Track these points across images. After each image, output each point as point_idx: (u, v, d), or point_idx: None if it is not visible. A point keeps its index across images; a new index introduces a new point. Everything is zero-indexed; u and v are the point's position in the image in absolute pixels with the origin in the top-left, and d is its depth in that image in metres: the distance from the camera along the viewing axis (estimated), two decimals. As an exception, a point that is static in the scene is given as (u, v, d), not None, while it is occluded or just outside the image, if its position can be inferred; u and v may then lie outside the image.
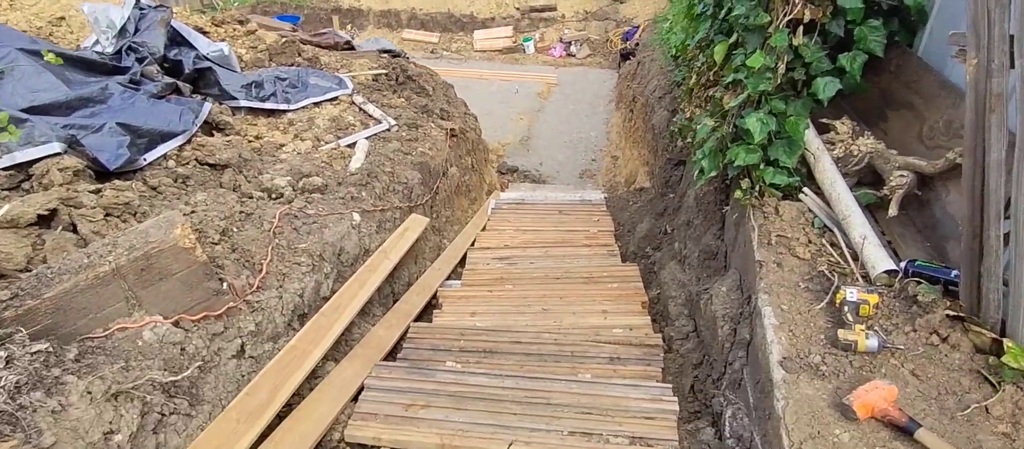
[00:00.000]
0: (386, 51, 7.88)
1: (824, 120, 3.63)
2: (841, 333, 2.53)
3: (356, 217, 4.71)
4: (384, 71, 7.23)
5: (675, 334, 4.05)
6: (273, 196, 4.72)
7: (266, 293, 3.52)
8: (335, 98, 6.64)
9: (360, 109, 6.61)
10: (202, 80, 6.00)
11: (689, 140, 5.40)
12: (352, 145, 5.79)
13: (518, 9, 17.13)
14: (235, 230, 3.87)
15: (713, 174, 3.76)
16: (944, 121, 3.09)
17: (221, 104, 5.83)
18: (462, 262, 6.08)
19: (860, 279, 2.88)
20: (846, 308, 2.63)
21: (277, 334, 3.51)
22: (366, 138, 6.02)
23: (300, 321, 3.72)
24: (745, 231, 3.54)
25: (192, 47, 6.26)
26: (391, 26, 17.10)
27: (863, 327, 2.54)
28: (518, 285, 5.13)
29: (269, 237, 3.87)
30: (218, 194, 4.33)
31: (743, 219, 3.62)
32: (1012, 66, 2.21)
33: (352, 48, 7.60)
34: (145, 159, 4.48)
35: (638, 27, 15.28)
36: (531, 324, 4.32)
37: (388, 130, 6.37)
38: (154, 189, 4.27)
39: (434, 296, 4.97)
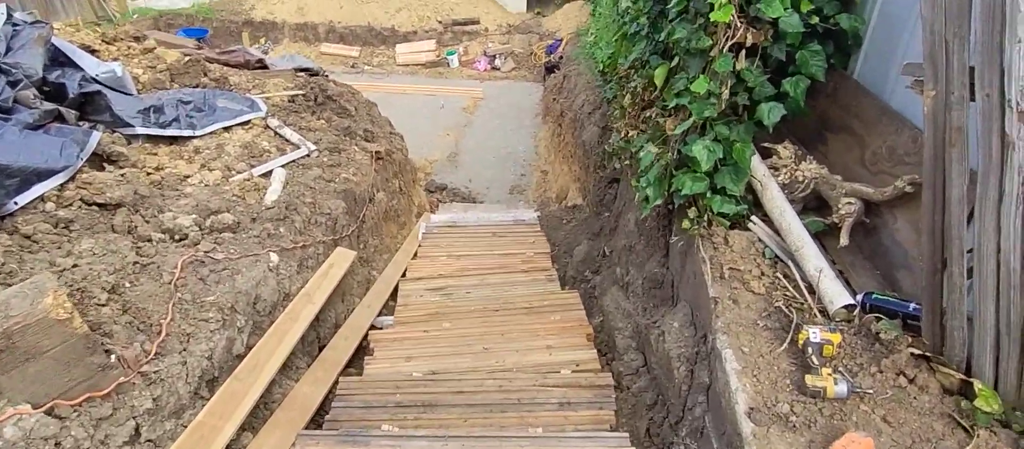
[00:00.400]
0: (303, 69, 7.34)
1: (766, 144, 3.53)
2: (809, 379, 2.37)
3: (274, 258, 4.22)
4: (301, 91, 6.71)
5: (624, 369, 3.84)
6: (176, 238, 4.16)
7: (166, 360, 3.02)
8: (247, 122, 6.07)
9: (276, 134, 6.08)
10: (90, 106, 5.31)
11: (627, 162, 5.25)
12: (267, 174, 5.27)
13: (441, 22, 16.78)
14: (128, 285, 3.32)
15: (658, 203, 3.58)
16: (887, 147, 3.03)
17: (114, 133, 5.17)
18: (394, 295, 5.67)
19: (817, 314, 2.75)
20: (810, 350, 2.48)
21: (181, 408, 3.01)
22: (283, 166, 5.50)
23: (209, 388, 3.23)
24: (694, 262, 3.37)
25: (78, 68, 5.54)
26: (308, 40, 16.32)
27: (830, 371, 2.39)
28: (455, 320, 4.78)
29: (170, 291, 3.35)
30: (108, 241, 3.74)
31: (690, 249, 3.46)
32: (973, 99, 2.11)
33: (265, 67, 7.03)
34: (16, 203, 3.82)
35: (561, 40, 15.29)
36: (472, 367, 3.99)
37: (308, 156, 5.87)
38: (28, 238, 3.63)
39: (365, 339, 4.55)
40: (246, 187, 4.93)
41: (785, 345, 2.59)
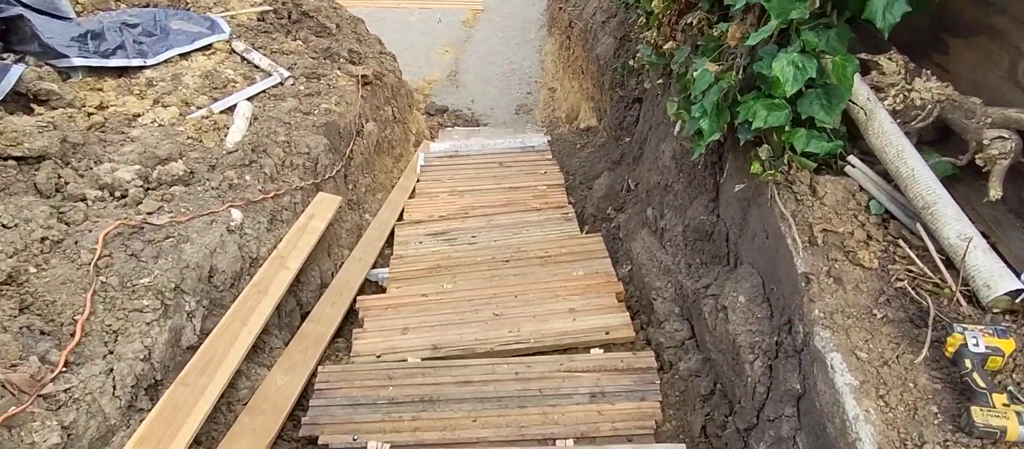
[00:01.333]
0: (274, -20, 6.21)
1: (861, 56, 2.58)
2: (976, 413, 1.58)
3: (236, 215, 3.40)
4: (271, 7, 5.64)
5: (665, 341, 3.08)
6: (117, 196, 3.33)
7: (83, 370, 2.26)
8: (208, 47, 5.07)
9: (243, 59, 5.08)
10: (13, 33, 4.33)
11: (659, 80, 4.29)
12: (231, 110, 4.35)
13: (434, -74, 15.05)
14: (32, 271, 2.52)
15: (715, 137, 2.69)
16: (1054, 55, 2.10)
17: (43, 66, 4.22)
18: (390, 241, 4.88)
19: (962, 302, 1.93)
20: (969, 362, 1.67)
21: (110, 430, 2.29)
22: (250, 98, 4.56)
23: (151, 396, 2.50)
24: (763, 216, 2.52)
25: (-2, -14, 4.51)
26: (292, -50, 14.72)
27: (1007, 401, 1.60)
28: (459, 277, 4.00)
29: (90, 275, 2.56)
30: (21, 206, 2.90)
31: (759, 198, 2.60)
32: None
33: (228, -22, 5.91)
34: None
35: (566, -59, 13.68)
36: (481, 339, 3.24)
37: (280, 85, 4.91)
38: (-90, 209, 2.81)
39: (354, 305, 3.79)
40: (204, 127, 4.03)
41: (925, 352, 1.79)
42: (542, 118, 9.77)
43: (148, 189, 3.41)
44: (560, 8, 11.16)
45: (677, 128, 3.33)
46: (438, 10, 12.92)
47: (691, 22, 3.39)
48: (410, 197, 5.60)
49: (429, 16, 12.72)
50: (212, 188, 3.51)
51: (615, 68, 6.15)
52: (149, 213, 3.18)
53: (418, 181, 5.93)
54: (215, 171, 3.67)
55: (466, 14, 12.86)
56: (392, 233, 4.88)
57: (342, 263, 4.33)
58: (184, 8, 5.38)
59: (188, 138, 3.90)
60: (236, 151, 3.85)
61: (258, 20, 5.64)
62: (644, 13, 4.63)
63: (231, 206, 3.42)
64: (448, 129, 8.57)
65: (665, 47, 3.58)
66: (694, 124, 2.73)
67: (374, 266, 4.44)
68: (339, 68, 5.58)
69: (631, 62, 5.34)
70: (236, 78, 4.81)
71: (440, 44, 11.75)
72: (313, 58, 5.43)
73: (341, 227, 4.58)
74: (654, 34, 3.88)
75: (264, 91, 4.74)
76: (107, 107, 4.19)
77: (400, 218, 5.15)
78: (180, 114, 4.24)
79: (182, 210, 3.25)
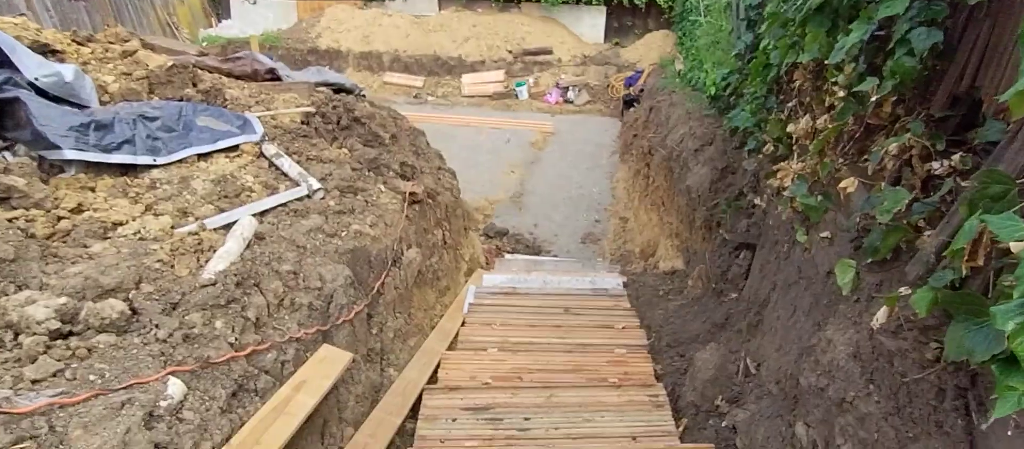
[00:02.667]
0: (328, 84, 5.48)
1: None
2: None
3: (174, 390, 2.19)
4: (314, 110, 4.81)
5: None
6: (10, 343, 2.22)
7: None
8: (234, 148, 4.19)
9: (271, 164, 4.16)
10: (9, 118, 3.54)
11: (806, 219, 2.96)
12: (231, 227, 3.31)
13: (511, 52, 14.96)
14: None
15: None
16: None
17: (32, 156, 3.38)
18: (415, 410, 3.55)
19: None
20: None
21: None
22: (261, 213, 3.54)
23: None
24: None
25: (13, 68, 3.82)
26: (371, 69, 14.86)
27: None
28: (503, 499, 2.59)
29: None
30: None
31: None
32: None
33: (277, 78, 5.21)
34: None
35: (642, 71, 13.10)
36: None
37: (308, 197, 3.90)
38: None
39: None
40: (183, 247, 2.97)
41: None
42: (612, 250, 8.51)
43: (63, 336, 2.29)
44: (635, 135, 10.25)
45: (882, 316, 1.94)
46: (508, 130, 12.32)
47: (890, 151, 2.11)
48: (451, 345, 4.32)
49: (498, 136, 12.10)
50: (156, 340, 2.35)
51: (716, 205, 4.88)
52: (35, 381, 2.03)
53: (464, 323, 4.66)
54: (173, 314, 2.53)
55: (536, 136, 12.17)
56: (418, 402, 3.56)
57: None
58: (221, 104, 4.61)
59: (157, 262, 2.83)
60: (213, 284, 2.72)
61: (301, 123, 4.80)
62: (776, 139, 3.40)
63: (172, 372, 2.23)
64: (507, 258, 7.40)
65: (843, 184, 2.28)
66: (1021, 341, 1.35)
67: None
68: (384, 182, 4.58)
69: (740, 200, 4.06)
70: (255, 187, 3.84)
71: (507, 164, 10.95)
72: (355, 169, 4.46)
73: (350, 391, 3.30)
74: (812, 165, 2.61)
75: (283, 205, 3.73)
76: (84, 211, 3.23)
77: (433, 378, 3.84)
78: (172, 227, 3.23)
79: (91, 379, 2.07)
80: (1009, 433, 1.56)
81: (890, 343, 1.98)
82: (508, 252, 8.42)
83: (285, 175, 4.09)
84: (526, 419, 3.33)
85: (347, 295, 3.40)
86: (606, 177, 10.77)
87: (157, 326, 2.42)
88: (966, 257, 1.53)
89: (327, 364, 2.91)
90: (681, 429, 3.26)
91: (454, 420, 3.35)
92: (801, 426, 2.55)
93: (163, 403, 2.11)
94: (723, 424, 3.20)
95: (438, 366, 3.95)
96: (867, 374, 2.15)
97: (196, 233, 3.11)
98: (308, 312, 3.09)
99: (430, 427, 3.30)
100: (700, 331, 4.14)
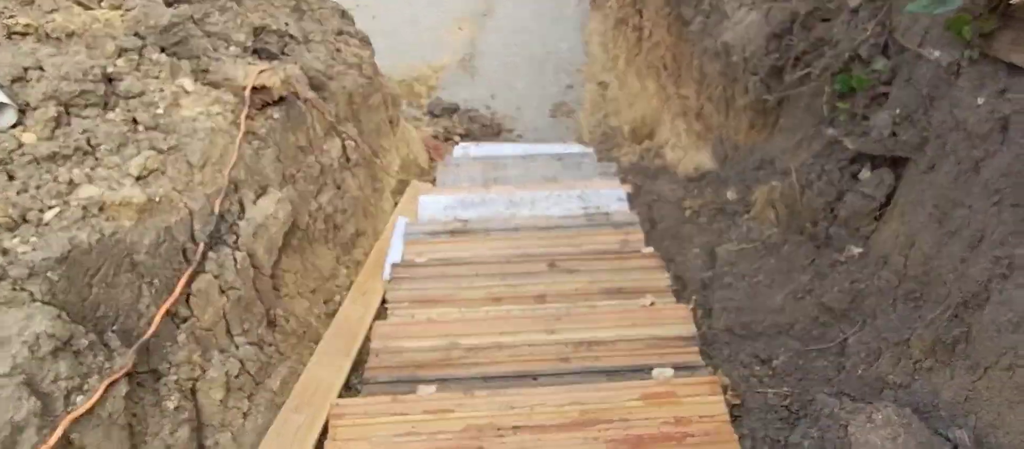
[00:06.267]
0: None
1: None
2: None
3: None
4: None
5: None
6: None
7: None
8: None
9: None
10: None
11: None
12: None
13: None
14: None
15: None
16: None
17: None
18: None
19: None
20: None
21: None
22: None
23: None
24: None
25: None
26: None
27: None
28: None
29: None
30: None
31: None
32: None
33: None
34: None
35: None
36: None
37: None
38: None
39: None
40: None
41: None
42: (590, 127, 6.33)
43: None
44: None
45: None
46: (451, -26, 9.29)
47: None
48: (360, 357, 2.30)
49: (440, -19, 9.11)
50: None
51: (777, 72, 2.70)
52: None
53: (384, 305, 2.61)
54: None
55: (487, -20, 9.24)
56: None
57: None
58: None
59: None
60: None
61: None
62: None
63: None
64: (458, 150, 5.15)
65: None
66: None
67: None
68: (199, 73, 2.20)
69: (853, 71, 1.91)
70: None
71: (452, 19, 8.20)
72: (126, 51, 2.05)
73: None
74: None
75: None
76: None
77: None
78: None
79: None
80: None
81: None
82: (459, 137, 6.16)
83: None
84: None
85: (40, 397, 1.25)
86: (575, 30, 8.21)
87: None
88: None
89: None
90: None
91: None
92: None
93: None
94: None
95: (325, 431, 1.95)
96: None
97: None
98: None
99: None
100: (795, 314, 2.19)
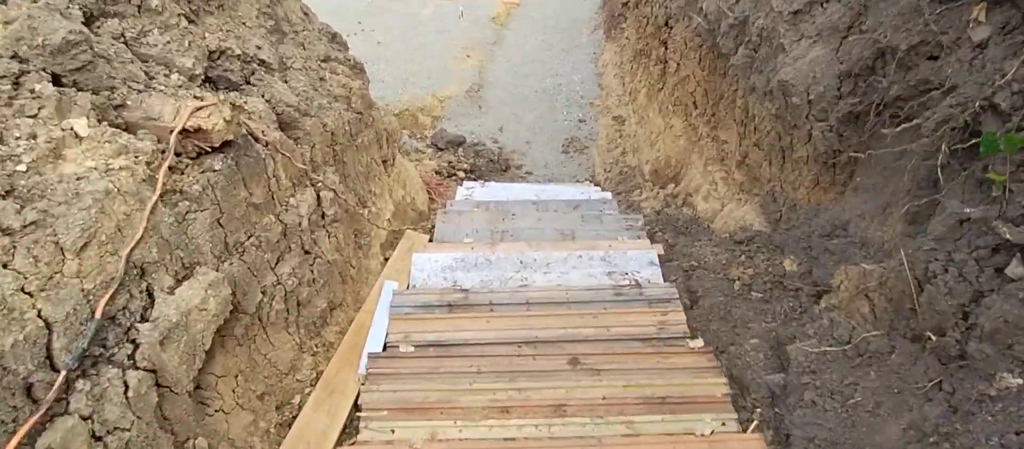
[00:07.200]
0: None
1: None
2: None
3: None
4: None
5: None
6: None
7: None
8: None
9: None
10: None
11: None
12: None
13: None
14: None
15: None
16: None
17: None
18: None
19: None
20: None
21: None
22: None
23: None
24: None
25: None
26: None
27: None
28: None
29: None
30: None
31: None
32: None
33: None
34: None
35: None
36: None
37: None
38: None
39: None
40: None
41: None
42: (605, 165, 5.72)
43: None
44: (624, 2, 7.04)
45: None
46: (461, 1, 8.82)
47: None
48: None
49: (449, 10, 8.63)
50: None
51: (852, 120, 2.08)
52: None
53: (358, 411, 1.96)
54: None
55: (497, 8, 8.77)
56: None
57: None
58: None
59: None
60: None
61: None
62: None
63: None
64: (463, 190, 4.52)
65: None
66: None
67: None
68: (118, 107, 1.59)
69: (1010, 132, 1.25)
70: None
71: (460, 46, 7.68)
72: (1, 74, 1.43)
73: None
74: None
75: None
76: None
77: None
78: None
79: None
80: None
81: None
82: (464, 172, 5.56)
83: None
84: None
85: None
86: (589, 60, 7.66)
87: None
88: None
89: None
90: None
91: None
92: None
93: None
94: None
95: None
96: None
97: None
98: None
99: None
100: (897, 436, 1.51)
